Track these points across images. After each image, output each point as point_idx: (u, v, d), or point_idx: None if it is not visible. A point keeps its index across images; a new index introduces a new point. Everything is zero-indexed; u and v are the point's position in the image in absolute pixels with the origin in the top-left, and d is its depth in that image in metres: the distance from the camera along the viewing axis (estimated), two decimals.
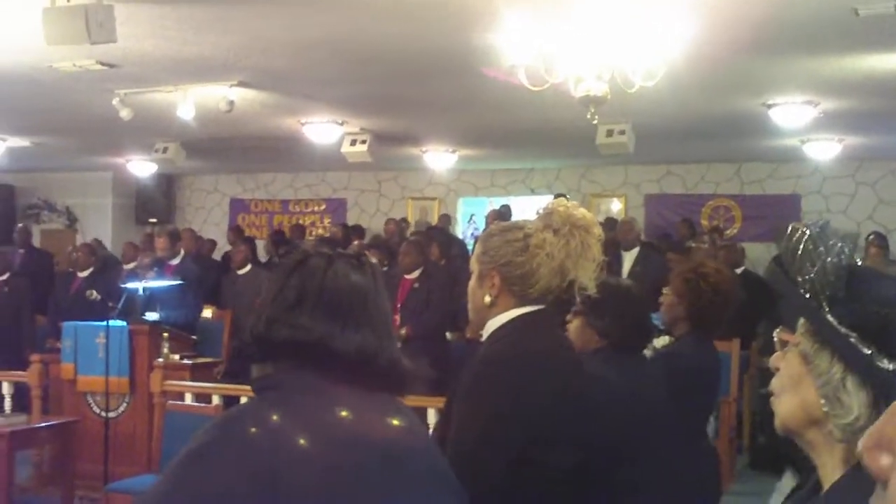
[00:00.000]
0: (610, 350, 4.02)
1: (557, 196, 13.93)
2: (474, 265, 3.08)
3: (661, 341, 5.90)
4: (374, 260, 2.32)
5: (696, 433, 4.81)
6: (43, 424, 8.38)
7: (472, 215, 17.24)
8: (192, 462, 2.01)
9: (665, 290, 4.94)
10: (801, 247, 1.73)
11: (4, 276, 11.79)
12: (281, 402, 2.11)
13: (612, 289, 4.01)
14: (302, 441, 2.00)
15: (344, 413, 2.08)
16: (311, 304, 2.13)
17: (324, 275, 2.17)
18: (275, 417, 2.05)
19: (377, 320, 2.19)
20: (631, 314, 4.06)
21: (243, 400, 8.00)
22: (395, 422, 2.17)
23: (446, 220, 16.15)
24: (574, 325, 4.10)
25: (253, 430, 2.02)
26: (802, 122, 10.62)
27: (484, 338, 3.03)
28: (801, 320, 1.77)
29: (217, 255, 15.26)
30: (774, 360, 1.86)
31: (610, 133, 10.99)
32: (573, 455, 2.81)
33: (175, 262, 10.72)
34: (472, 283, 3.08)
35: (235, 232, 15.91)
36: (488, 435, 2.77)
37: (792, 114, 10.29)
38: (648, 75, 6.36)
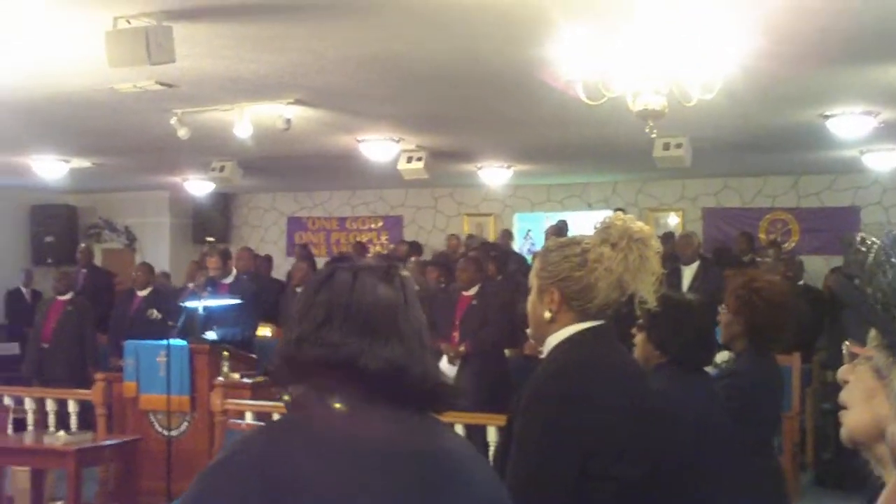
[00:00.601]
0: (672, 366, 3.99)
1: (616, 210, 13.99)
2: (533, 281, 3.08)
3: (721, 356, 5.86)
4: (405, 273, 2.26)
5: (762, 450, 4.76)
6: (108, 442, 8.47)
7: (528, 231, 17.20)
8: (195, 486, 1.98)
9: (720, 308, 4.91)
10: (872, 257, 1.70)
11: (68, 296, 11.94)
12: (290, 425, 2.09)
13: (673, 303, 3.97)
14: (312, 463, 1.94)
15: (368, 434, 2.02)
16: (340, 321, 2.07)
17: (351, 289, 2.10)
18: (276, 441, 2.02)
19: (407, 334, 2.11)
20: (692, 329, 4.01)
21: None
22: (429, 442, 2.08)
23: (507, 235, 16.12)
24: (638, 340, 4.08)
25: (248, 455, 1.98)
26: (861, 133, 10.47)
27: (544, 353, 3.03)
28: (873, 333, 1.74)
29: (275, 273, 15.35)
30: (843, 373, 1.83)
31: (667, 146, 10.93)
32: (638, 468, 2.79)
33: (228, 280, 10.75)
34: (532, 298, 3.08)
35: (301, 249, 16.05)
36: (549, 449, 2.77)
37: (851, 124, 10.14)
38: (706, 88, 6.32)
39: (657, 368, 4.00)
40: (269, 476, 1.90)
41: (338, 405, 2.04)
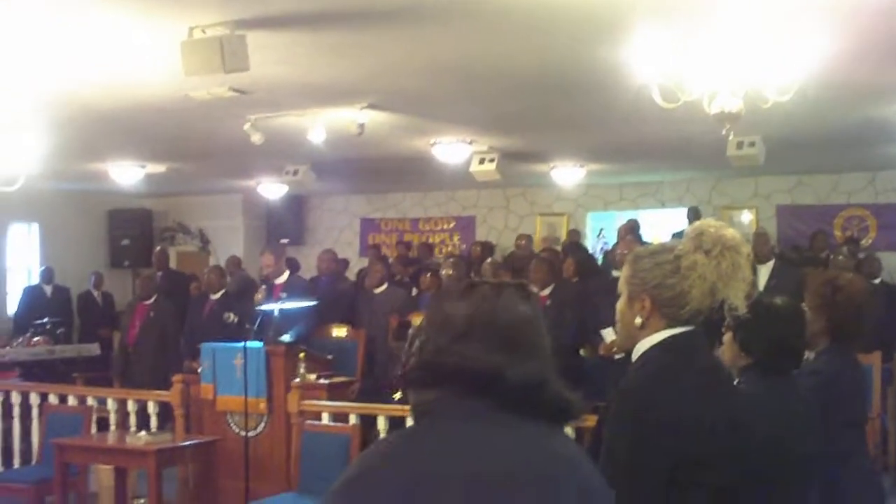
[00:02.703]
0: (756, 369, 3.98)
1: (691, 210, 13.87)
2: (623, 287, 3.09)
3: None
4: (535, 290, 2.31)
5: (852, 451, 4.73)
6: (187, 443, 8.58)
7: (601, 230, 17.15)
8: (335, 498, 2.04)
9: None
10: None
11: (151, 300, 12.12)
12: (434, 430, 2.12)
13: (762, 307, 3.99)
14: (445, 471, 1.99)
15: (501, 443, 2.06)
16: (481, 334, 2.11)
17: (495, 304, 2.15)
18: (420, 446, 2.07)
19: (542, 351, 2.18)
20: (777, 334, 3.98)
21: (380, 419, 8.11)
22: (561, 454, 2.12)
23: (575, 234, 16.10)
24: (726, 340, 4.09)
25: (377, 475, 2.03)
26: None
27: (633, 358, 3.04)
28: None
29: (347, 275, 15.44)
30: None
31: (740, 145, 10.85)
32: (726, 475, 2.79)
33: (281, 280, 10.71)
34: (622, 305, 3.09)
35: (373, 251, 16.14)
36: (638, 456, 2.78)
37: None
38: (783, 90, 6.28)
39: (743, 371, 4.00)
40: (411, 490, 1.96)
41: (472, 414, 2.08)
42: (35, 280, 16.77)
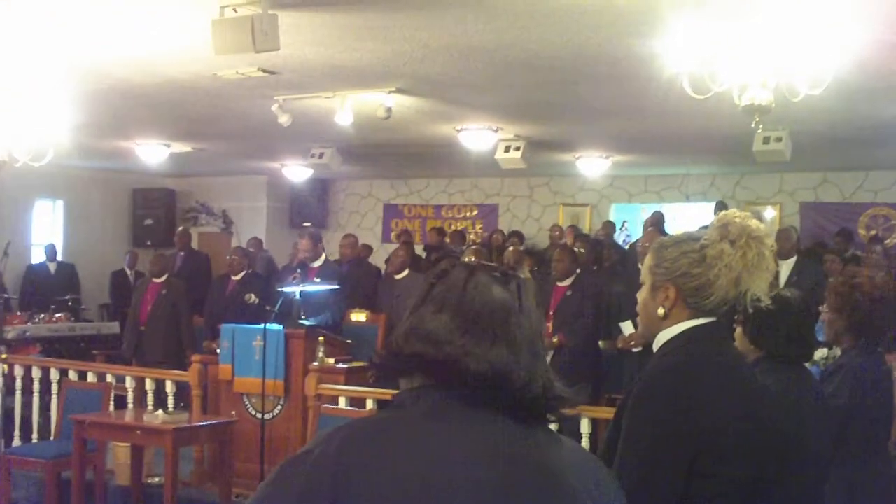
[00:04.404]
0: (767, 361, 3.97)
1: (718, 204, 13.79)
2: (646, 277, 3.04)
3: (819, 353, 5.80)
4: (525, 275, 2.20)
5: (875, 448, 4.71)
6: (203, 423, 8.59)
7: (624, 221, 17.07)
8: (275, 474, 1.96)
9: (822, 308, 4.87)
10: None
11: (163, 279, 12.13)
12: (384, 425, 2.03)
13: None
14: (384, 464, 1.88)
15: (456, 442, 1.93)
16: (447, 319, 2.01)
17: (463, 287, 2.04)
18: (356, 440, 1.94)
19: (517, 339, 2.02)
20: (786, 326, 3.97)
21: None
22: (530, 454, 1.97)
23: (609, 226, 15.98)
24: (737, 334, 4.08)
25: (331, 449, 1.92)
26: None
27: (655, 348, 3.00)
28: None
29: (371, 260, 15.42)
30: None
31: (766, 140, 10.79)
32: (746, 468, 2.76)
33: (317, 264, 10.76)
34: (644, 294, 3.04)
35: (404, 236, 16.14)
36: (658, 447, 2.74)
37: None
38: (815, 83, 6.22)
39: (756, 363, 3.98)
40: (339, 474, 1.86)
41: (433, 407, 1.97)
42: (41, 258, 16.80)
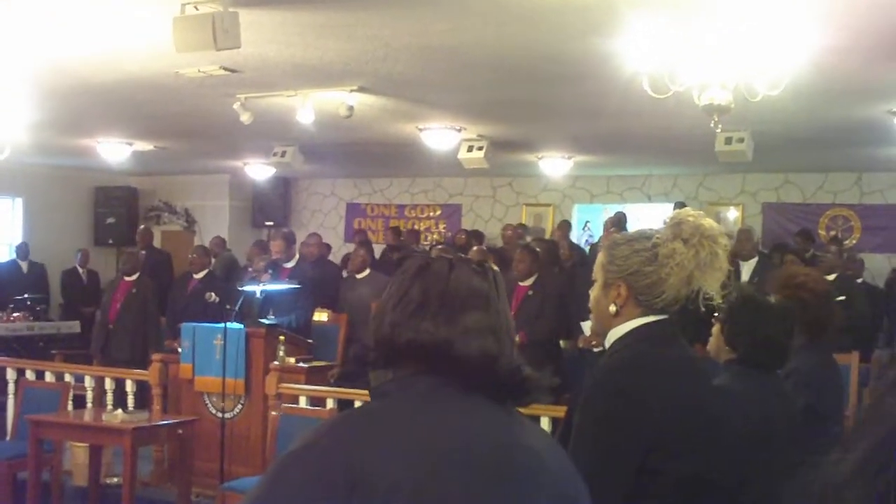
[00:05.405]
0: (738, 364, 3.96)
1: (678, 205, 13.87)
2: (599, 274, 3.07)
3: None
4: (495, 268, 2.28)
5: (826, 449, 4.73)
6: (164, 422, 8.55)
7: (586, 222, 17.13)
8: (276, 471, 1.99)
9: None
10: None
11: (133, 277, 12.06)
12: (377, 412, 2.10)
13: (753, 304, 3.99)
14: (394, 452, 1.93)
15: (451, 424, 2.03)
16: (435, 309, 2.08)
17: (447, 279, 2.12)
18: (362, 427, 2.02)
19: (498, 326, 2.13)
20: (764, 332, 3.95)
21: (358, 404, 8.08)
22: (511, 435, 2.08)
23: (565, 226, 16.02)
24: (714, 331, 4.08)
25: (338, 439, 1.97)
26: None
27: (606, 346, 3.02)
28: None
29: (331, 258, 15.39)
30: None
31: (728, 141, 10.85)
32: (693, 465, 2.77)
33: (290, 265, 10.81)
34: (596, 292, 3.06)
35: (360, 235, 16.12)
36: (607, 443, 2.77)
37: None
38: (773, 84, 6.27)
39: (726, 364, 4.00)
40: (353, 463, 1.90)
41: (426, 392, 2.06)
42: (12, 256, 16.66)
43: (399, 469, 1.90)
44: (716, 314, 3.98)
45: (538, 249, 10.83)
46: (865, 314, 10.56)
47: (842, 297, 10.15)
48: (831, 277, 10.82)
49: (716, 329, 4.08)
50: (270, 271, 10.57)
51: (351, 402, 8.22)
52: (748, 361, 3.96)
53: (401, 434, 1.98)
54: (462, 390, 2.06)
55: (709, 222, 2.98)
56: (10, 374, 10.00)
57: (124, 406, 8.91)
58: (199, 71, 8.54)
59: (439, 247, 12.60)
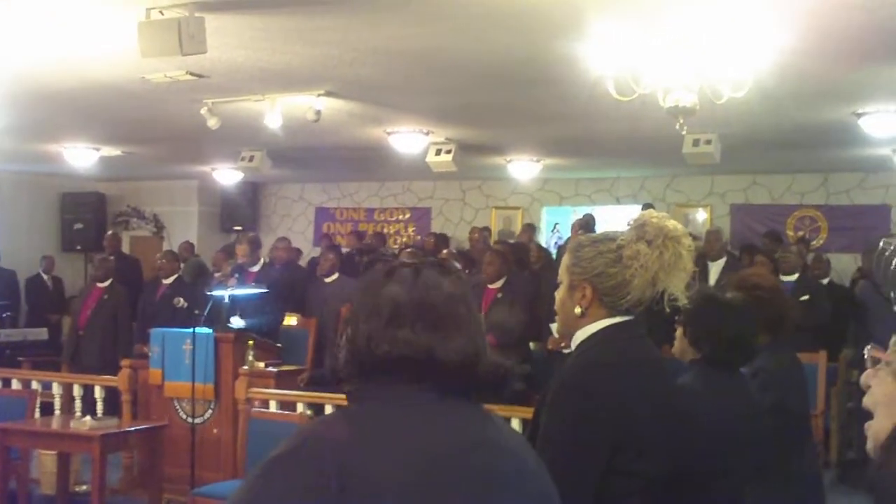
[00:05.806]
0: (703, 364, 3.97)
1: (645, 206, 13.95)
2: (564, 276, 3.08)
3: None
4: (458, 266, 2.28)
5: (798, 451, 4.77)
6: (133, 428, 8.51)
7: (555, 224, 17.18)
8: (263, 474, 1.98)
9: None
10: (894, 263, 1.69)
11: (106, 283, 12.00)
12: (362, 415, 2.09)
13: (715, 303, 4.01)
14: (381, 453, 1.94)
15: (437, 426, 2.04)
16: (410, 317, 2.07)
17: (414, 285, 2.11)
18: (349, 430, 2.02)
19: (472, 326, 2.14)
20: (728, 331, 3.95)
21: (328, 408, 8.08)
22: (488, 435, 2.10)
23: (531, 229, 16.09)
24: (678, 334, 4.09)
25: (326, 441, 1.98)
26: (894, 131, 10.38)
27: (572, 347, 3.04)
28: (894, 338, 1.73)
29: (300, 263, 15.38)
30: (865, 378, 1.81)
31: (696, 143, 10.89)
32: (660, 466, 2.79)
33: (255, 269, 10.79)
34: (562, 293, 3.08)
35: (326, 240, 16.10)
36: (574, 443, 2.78)
37: (883, 122, 10.01)
38: (737, 86, 6.31)
39: (691, 364, 4.01)
40: (344, 464, 1.91)
41: (406, 395, 2.06)
42: None
43: (387, 470, 1.92)
44: (678, 318, 4.00)
45: (506, 252, 10.86)
46: (828, 313, 10.64)
47: (805, 297, 10.31)
48: (794, 277, 10.92)
49: (679, 332, 4.09)
50: (237, 276, 10.55)
51: (321, 406, 8.22)
52: (713, 361, 3.98)
53: (386, 436, 1.99)
54: (440, 392, 2.06)
55: (672, 223, 3.00)
56: None
57: (93, 413, 8.86)
58: (165, 76, 8.50)
59: (408, 250, 12.59)
